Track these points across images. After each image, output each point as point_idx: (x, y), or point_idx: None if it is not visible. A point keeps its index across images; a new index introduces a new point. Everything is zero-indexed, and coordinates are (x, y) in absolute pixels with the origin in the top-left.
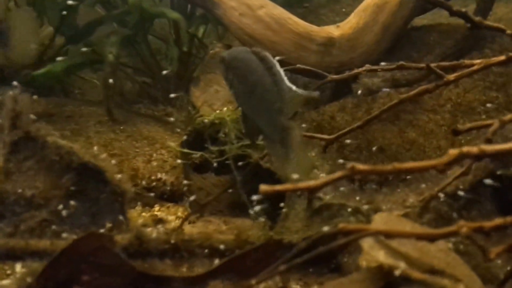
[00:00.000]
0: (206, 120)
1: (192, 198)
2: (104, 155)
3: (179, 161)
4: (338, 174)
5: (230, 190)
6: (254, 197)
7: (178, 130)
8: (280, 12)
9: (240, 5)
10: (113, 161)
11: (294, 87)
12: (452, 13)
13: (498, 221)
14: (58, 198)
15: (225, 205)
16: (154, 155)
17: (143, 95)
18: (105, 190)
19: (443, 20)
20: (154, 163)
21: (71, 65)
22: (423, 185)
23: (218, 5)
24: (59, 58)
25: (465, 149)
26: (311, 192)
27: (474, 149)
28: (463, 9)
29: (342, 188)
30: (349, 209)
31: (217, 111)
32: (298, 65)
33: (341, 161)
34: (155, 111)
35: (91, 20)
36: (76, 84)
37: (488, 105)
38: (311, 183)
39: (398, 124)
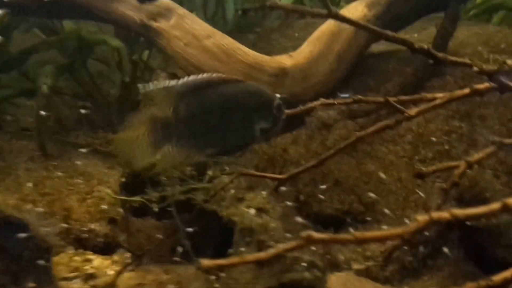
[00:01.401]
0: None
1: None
2: (29, 206)
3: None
4: (291, 244)
5: None
6: None
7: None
8: (229, 42)
9: (185, 35)
10: (43, 202)
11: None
12: (414, 50)
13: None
14: None
15: (166, 250)
16: (90, 193)
17: (82, 121)
18: (29, 245)
19: (400, 46)
20: (90, 201)
21: (1, 98)
22: (384, 227)
23: (161, 34)
24: None
25: (436, 215)
26: (260, 264)
27: (445, 215)
28: (425, 46)
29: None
30: (304, 263)
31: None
32: None
33: (289, 203)
34: (95, 138)
35: (25, 47)
36: (9, 109)
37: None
38: (261, 255)
39: (356, 156)
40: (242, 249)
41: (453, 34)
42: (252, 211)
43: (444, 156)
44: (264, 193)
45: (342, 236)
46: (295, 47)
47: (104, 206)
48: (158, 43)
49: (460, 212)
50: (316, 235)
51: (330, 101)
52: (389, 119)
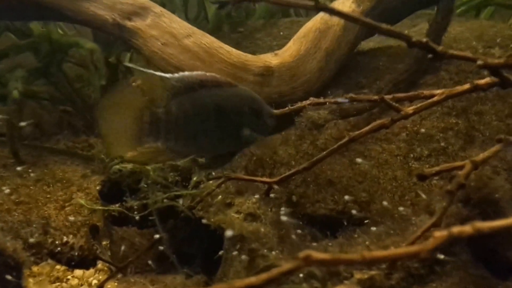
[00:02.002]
0: (123, 169)
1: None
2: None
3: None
4: (287, 266)
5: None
6: None
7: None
8: (211, 41)
9: (162, 34)
10: (19, 211)
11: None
12: (411, 44)
13: None
14: None
15: (151, 258)
16: (69, 200)
17: (62, 125)
18: None
19: (391, 42)
20: (68, 209)
21: None
22: (382, 229)
23: (136, 34)
24: None
25: (456, 230)
26: None
27: (467, 229)
28: (423, 39)
29: (290, 243)
30: (300, 274)
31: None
32: None
33: (284, 214)
34: (76, 142)
35: None
36: None
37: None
38: (252, 280)
39: (348, 155)
40: (233, 257)
41: (446, 28)
42: (242, 216)
43: (441, 153)
44: (255, 197)
45: (348, 256)
46: (281, 46)
47: (85, 214)
48: (133, 44)
49: (484, 225)
50: (316, 254)
51: (321, 100)
52: (383, 118)
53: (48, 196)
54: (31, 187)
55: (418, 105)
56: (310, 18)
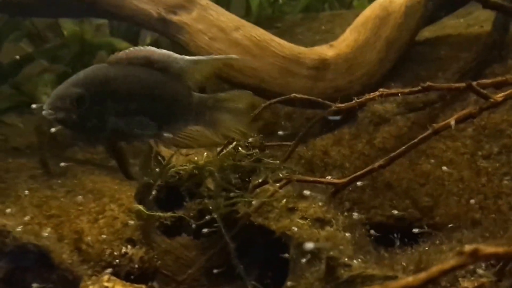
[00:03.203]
0: (181, 172)
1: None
2: (48, 230)
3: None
4: (451, 263)
5: None
6: None
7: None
8: (261, 33)
9: (210, 28)
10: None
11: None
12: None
13: None
14: None
15: (202, 273)
16: (102, 212)
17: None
18: (51, 277)
19: (449, 30)
20: (102, 222)
21: None
22: (465, 232)
23: (182, 29)
24: None
25: None
26: None
27: None
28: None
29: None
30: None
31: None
32: (294, 95)
33: (355, 215)
34: (94, 154)
35: (16, 58)
36: None
37: None
38: (409, 280)
39: (408, 155)
40: (302, 266)
41: None
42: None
43: None
44: (321, 201)
45: None
46: (324, 41)
47: (119, 227)
48: (179, 39)
49: None
50: (486, 249)
51: (393, 90)
52: (446, 112)
53: (80, 208)
54: (61, 199)
55: (508, 91)
56: (351, 10)
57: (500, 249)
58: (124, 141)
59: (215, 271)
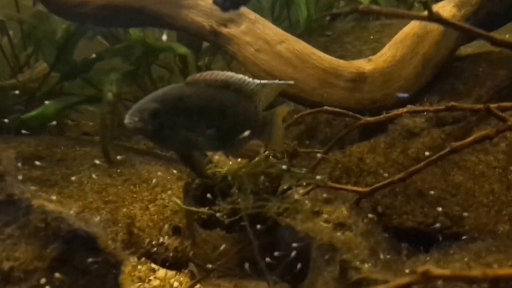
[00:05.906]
0: (218, 174)
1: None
2: (97, 219)
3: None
4: (405, 280)
5: None
6: None
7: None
8: (303, 47)
9: (256, 40)
10: (107, 210)
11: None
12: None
13: None
14: (41, 270)
15: (234, 263)
16: (154, 201)
17: None
18: (97, 260)
19: (492, 47)
20: (153, 209)
21: (65, 106)
22: (480, 243)
23: (231, 41)
24: (46, 102)
25: None
26: None
27: None
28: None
29: (382, 256)
30: None
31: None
32: (325, 108)
33: (370, 215)
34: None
35: (89, 56)
36: (71, 115)
37: None
38: None
39: (441, 166)
40: (321, 266)
41: None
42: (331, 226)
43: None
44: (345, 206)
45: (468, 273)
46: (372, 51)
47: (167, 215)
48: (228, 50)
49: None
50: (435, 270)
51: (419, 107)
52: (481, 127)
53: (135, 196)
54: (119, 186)
55: None
56: (401, 21)
57: (447, 272)
58: (195, 151)
59: (246, 265)
